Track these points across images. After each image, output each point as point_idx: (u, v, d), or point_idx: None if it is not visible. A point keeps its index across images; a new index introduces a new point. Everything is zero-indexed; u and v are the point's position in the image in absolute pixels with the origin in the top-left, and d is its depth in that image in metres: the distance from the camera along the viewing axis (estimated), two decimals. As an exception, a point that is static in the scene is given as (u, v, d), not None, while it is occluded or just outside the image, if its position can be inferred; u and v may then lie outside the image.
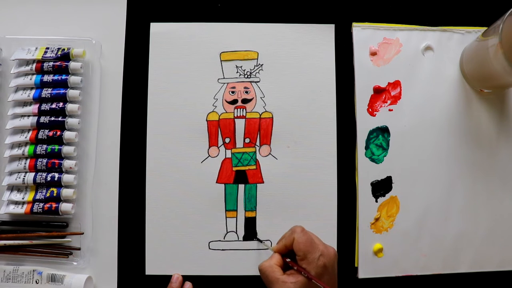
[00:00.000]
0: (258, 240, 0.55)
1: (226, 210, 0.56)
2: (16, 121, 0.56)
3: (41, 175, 0.54)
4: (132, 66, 0.58)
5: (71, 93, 0.55)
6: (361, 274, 0.55)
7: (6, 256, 0.55)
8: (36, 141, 0.55)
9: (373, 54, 0.58)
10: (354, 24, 0.58)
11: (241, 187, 0.56)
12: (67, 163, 0.55)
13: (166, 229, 0.56)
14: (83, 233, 0.55)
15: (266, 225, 0.56)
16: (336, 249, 0.51)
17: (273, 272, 0.49)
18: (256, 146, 0.57)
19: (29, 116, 0.56)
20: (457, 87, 0.58)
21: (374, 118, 0.57)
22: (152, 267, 0.55)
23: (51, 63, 0.56)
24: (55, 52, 0.56)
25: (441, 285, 0.56)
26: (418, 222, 0.56)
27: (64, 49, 0.56)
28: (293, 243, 0.49)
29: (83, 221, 0.55)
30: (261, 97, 0.57)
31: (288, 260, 0.50)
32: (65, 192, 0.54)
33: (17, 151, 0.55)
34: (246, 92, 0.57)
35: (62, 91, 0.55)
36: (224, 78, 0.58)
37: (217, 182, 0.56)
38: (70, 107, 0.55)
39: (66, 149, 0.55)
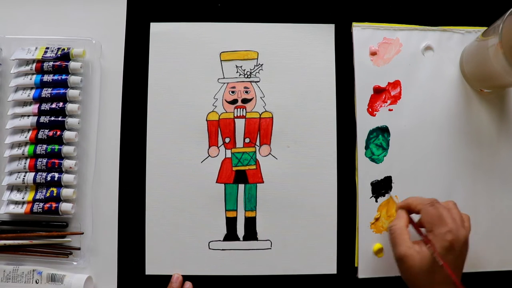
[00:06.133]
0: (386, 193, 0.56)
1: (226, 210, 0.56)
2: (16, 121, 0.56)
3: (41, 175, 0.54)
4: (132, 66, 0.58)
5: (71, 93, 0.55)
6: (361, 274, 0.55)
7: (6, 256, 0.55)
8: (36, 141, 0.55)
9: (373, 54, 0.58)
10: (354, 24, 0.58)
11: (241, 187, 0.56)
12: (67, 163, 0.55)
13: (166, 229, 0.56)
14: (83, 233, 0.55)
15: (266, 225, 0.56)
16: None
17: (402, 234, 0.49)
18: (256, 146, 0.57)
19: (29, 116, 0.56)
20: (457, 87, 0.58)
21: (374, 118, 0.57)
22: (152, 267, 0.55)
23: (51, 63, 0.56)
24: (55, 52, 0.56)
25: (441, 285, 0.56)
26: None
27: (64, 49, 0.56)
28: (422, 213, 0.49)
29: (83, 221, 0.55)
30: (261, 97, 0.57)
31: (416, 226, 0.51)
32: (65, 192, 0.54)
33: (17, 151, 0.55)
34: (246, 92, 0.57)
35: (62, 91, 0.55)
36: (224, 78, 0.58)
37: (217, 182, 0.56)
38: (70, 107, 0.55)
39: (66, 149, 0.55)
